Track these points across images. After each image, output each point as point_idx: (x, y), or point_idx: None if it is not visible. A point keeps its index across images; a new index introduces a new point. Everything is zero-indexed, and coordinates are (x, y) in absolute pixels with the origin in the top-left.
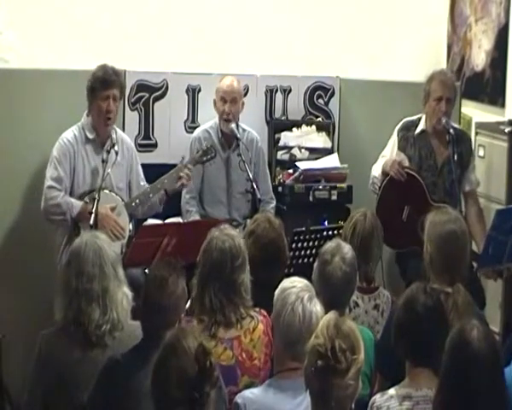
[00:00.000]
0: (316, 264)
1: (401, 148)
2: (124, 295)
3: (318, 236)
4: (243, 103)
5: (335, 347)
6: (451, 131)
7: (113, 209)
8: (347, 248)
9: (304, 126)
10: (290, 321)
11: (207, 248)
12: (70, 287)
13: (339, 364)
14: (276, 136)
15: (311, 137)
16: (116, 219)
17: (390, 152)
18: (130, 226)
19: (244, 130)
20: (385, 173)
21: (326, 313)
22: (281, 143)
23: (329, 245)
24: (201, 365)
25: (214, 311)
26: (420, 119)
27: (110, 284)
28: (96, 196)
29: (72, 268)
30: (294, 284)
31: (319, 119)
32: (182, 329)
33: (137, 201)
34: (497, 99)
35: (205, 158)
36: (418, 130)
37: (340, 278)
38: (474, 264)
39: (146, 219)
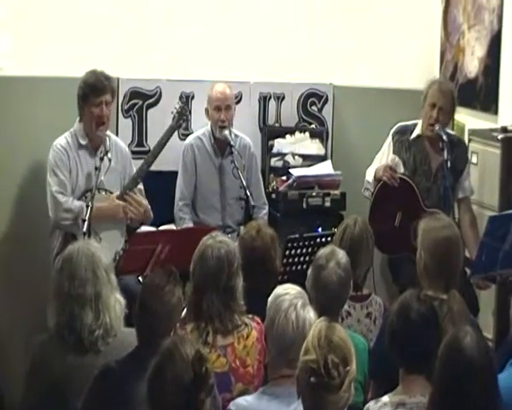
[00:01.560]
0: (310, 270)
1: (396, 151)
2: (116, 301)
3: (312, 243)
4: (235, 108)
5: (328, 363)
6: (445, 138)
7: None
8: (342, 254)
9: (297, 133)
10: (284, 328)
11: (203, 257)
12: (62, 292)
13: (332, 380)
14: (270, 143)
15: (304, 143)
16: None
17: (385, 155)
18: None
19: (237, 136)
20: (378, 179)
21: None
22: (274, 150)
23: (324, 251)
24: (197, 371)
25: (212, 319)
26: (415, 125)
27: (103, 288)
28: (90, 203)
29: (65, 273)
30: (288, 291)
31: (313, 126)
32: (179, 336)
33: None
34: (490, 106)
35: (181, 121)
36: (414, 135)
37: (336, 282)
38: (468, 270)
39: (139, 227)
